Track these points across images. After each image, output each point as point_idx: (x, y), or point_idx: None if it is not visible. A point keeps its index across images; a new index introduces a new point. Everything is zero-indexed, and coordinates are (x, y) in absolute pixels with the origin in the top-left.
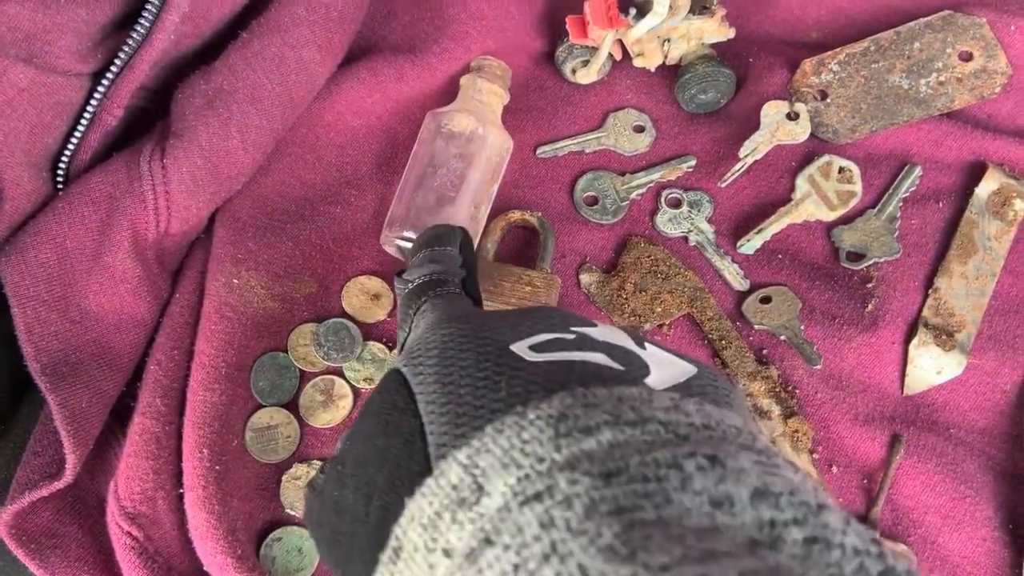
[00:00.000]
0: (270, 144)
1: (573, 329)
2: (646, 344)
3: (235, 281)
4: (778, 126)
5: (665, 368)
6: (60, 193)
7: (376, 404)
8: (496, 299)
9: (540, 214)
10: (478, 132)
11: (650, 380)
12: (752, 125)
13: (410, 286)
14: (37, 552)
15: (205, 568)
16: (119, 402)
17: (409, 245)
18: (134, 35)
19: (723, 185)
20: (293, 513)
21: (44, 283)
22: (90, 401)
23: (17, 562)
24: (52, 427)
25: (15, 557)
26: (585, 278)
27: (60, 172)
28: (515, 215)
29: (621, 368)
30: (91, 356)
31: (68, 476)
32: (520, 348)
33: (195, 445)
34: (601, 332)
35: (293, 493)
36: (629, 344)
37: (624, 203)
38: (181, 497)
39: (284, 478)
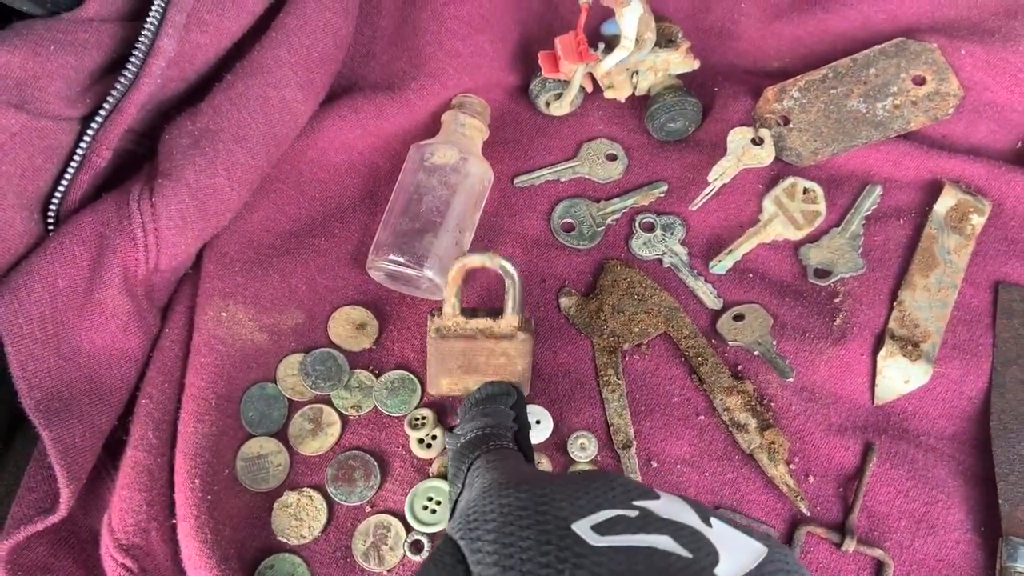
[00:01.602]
0: (255, 181)
1: (636, 504)
2: (712, 519)
3: (223, 314)
4: (744, 151)
5: (735, 551)
6: (51, 233)
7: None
8: (473, 373)
9: (502, 259)
10: (461, 162)
11: (721, 569)
12: (719, 151)
13: (462, 440)
14: None
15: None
16: (111, 436)
17: (396, 268)
18: (122, 80)
19: (694, 208)
20: (284, 540)
21: (37, 321)
22: (83, 436)
23: None
24: (46, 462)
25: None
26: (564, 301)
27: (51, 213)
28: (473, 261)
29: (689, 555)
30: (84, 392)
31: (62, 510)
32: (582, 528)
33: (187, 476)
34: (665, 506)
35: (284, 520)
36: (694, 521)
37: (600, 228)
38: (174, 528)
39: (275, 506)
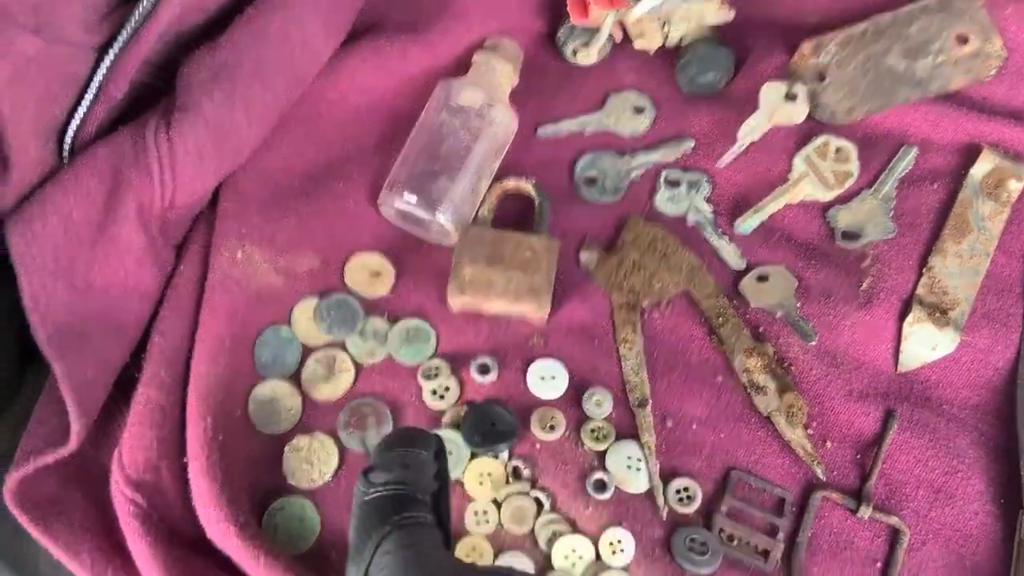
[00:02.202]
0: (274, 118)
1: None
2: None
3: (239, 255)
4: (776, 107)
5: None
6: (66, 165)
7: None
8: (498, 266)
9: (535, 180)
10: (487, 107)
11: None
12: (750, 106)
13: (372, 494)
14: (41, 519)
15: (208, 536)
16: (123, 373)
17: (408, 208)
18: (140, 8)
19: (721, 166)
20: (294, 483)
21: (51, 253)
22: (95, 370)
23: (21, 530)
24: (57, 396)
25: (19, 525)
26: (584, 256)
27: (66, 144)
28: (510, 183)
29: None
30: (96, 326)
31: (73, 444)
32: None
33: (198, 415)
34: None
35: (295, 464)
36: None
37: (624, 183)
38: (185, 467)
39: (286, 449)
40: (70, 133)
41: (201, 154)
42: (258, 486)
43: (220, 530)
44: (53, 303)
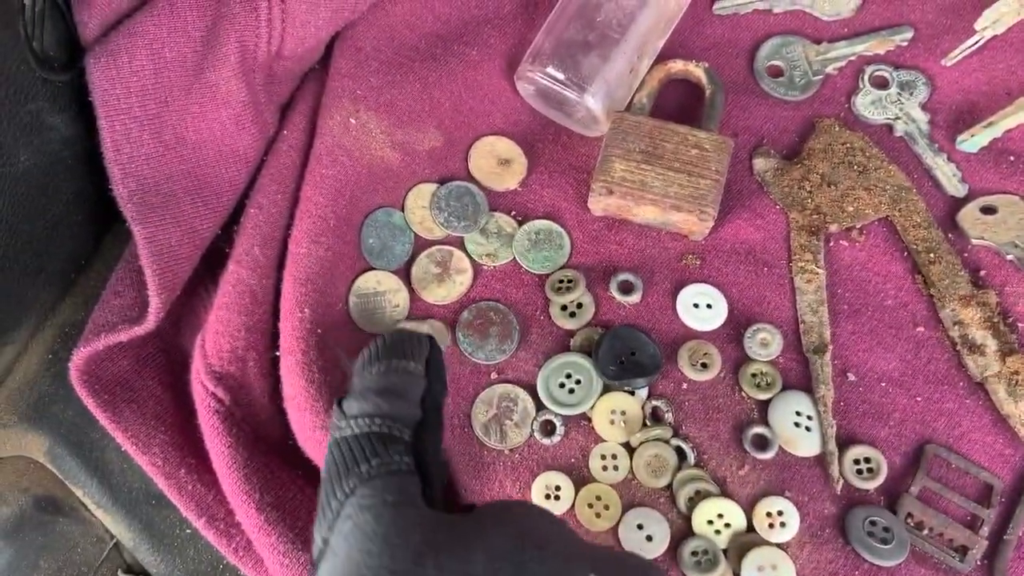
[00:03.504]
0: None
1: None
2: None
3: (352, 121)
4: None
5: None
6: None
7: None
8: (656, 164)
9: (707, 65)
10: None
11: None
12: None
13: (344, 431)
14: (109, 404)
15: (299, 443)
16: (212, 247)
17: (551, 85)
18: None
19: (948, 64)
20: None
21: (137, 95)
22: (180, 239)
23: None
24: (136, 265)
25: (85, 409)
26: (760, 163)
27: None
28: (676, 65)
29: None
30: (185, 188)
31: (151, 322)
32: None
33: (295, 303)
34: None
35: None
36: None
37: (817, 77)
38: (275, 361)
39: None
40: None
41: None
42: None
43: (314, 439)
44: (137, 155)
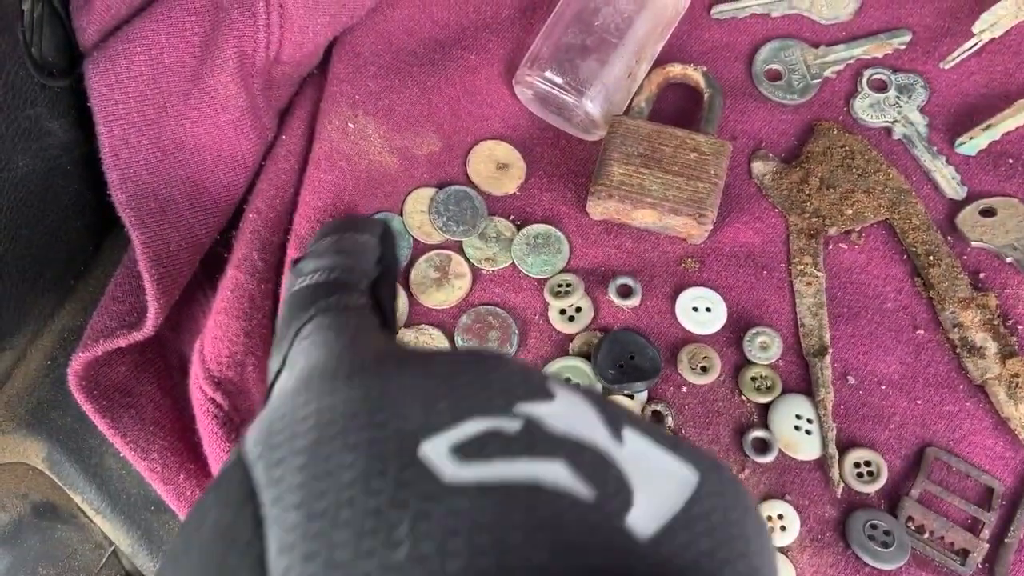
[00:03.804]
0: None
1: (520, 409)
2: (625, 430)
3: (350, 126)
4: None
5: (654, 484)
6: None
7: (209, 523)
8: (655, 168)
9: (705, 69)
10: None
11: (634, 517)
12: None
13: (300, 283)
14: (108, 409)
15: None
16: (211, 251)
17: (550, 89)
18: None
19: (946, 67)
20: None
21: (135, 101)
22: (179, 244)
23: (86, 420)
24: (135, 271)
25: (83, 414)
26: (759, 167)
27: None
28: (675, 69)
29: (589, 495)
30: (183, 193)
31: (149, 327)
32: (437, 451)
33: None
34: (562, 411)
35: None
36: (601, 436)
37: (815, 81)
38: None
39: None
40: None
41: None
42: None
43: None
44: (136, 160)
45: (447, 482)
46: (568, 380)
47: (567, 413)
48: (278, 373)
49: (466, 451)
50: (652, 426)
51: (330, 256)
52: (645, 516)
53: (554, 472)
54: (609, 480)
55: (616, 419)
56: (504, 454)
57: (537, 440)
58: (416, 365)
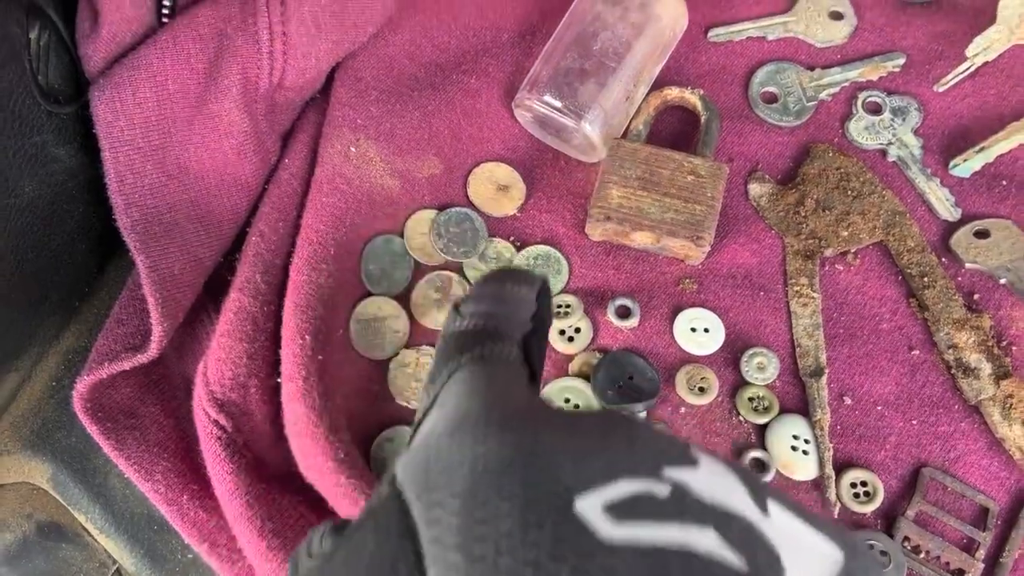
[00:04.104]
0: None
1: (666, 473)
2: (770, 503)
3: (352, 150)
4: (1020, 21)
5: (803, 560)
6: (164, 26)
7: (368, 551)
8: (652, 190)
9: (702, 92)
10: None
11: None
12: (984, 18)
13: (458, 325)
14: (113, 431)
15: (301, 469)
16: (214, 275)
17: (549, 113)
18: None
19: (940, 90)
20: (404, 404)
21: (140, 127)
22: (183, 267)
23: (90, 441)
24: (140, 294)
25: (88, 436)
26: (755, 188)
27: (167, 4)
28: (672, 92)
29: (744, 568)
30: (187, 217)
31: (153, 350)
32: (591, 509)
33: (296, 330)
34: (707, 480)
35: (403, 382)
36: (748, 508)
37: (811, 103)
38: (276, 388)
39: (392, 366)
40: None
41: (318, 23)
42: (361, 415)
43: (315, 465)
44: (140, 185)
45: (602, 540)
46: (567, 401)
47: (713, 481)
48: (427, 411)
49: (619, 511)
50: (795, 502)
51: (489, 303)
52: None
53: (706, 540)
54: (759, 552)
55: (761, 491)
56: (656, 517)
57: (688, 506)
58: (565, 422)
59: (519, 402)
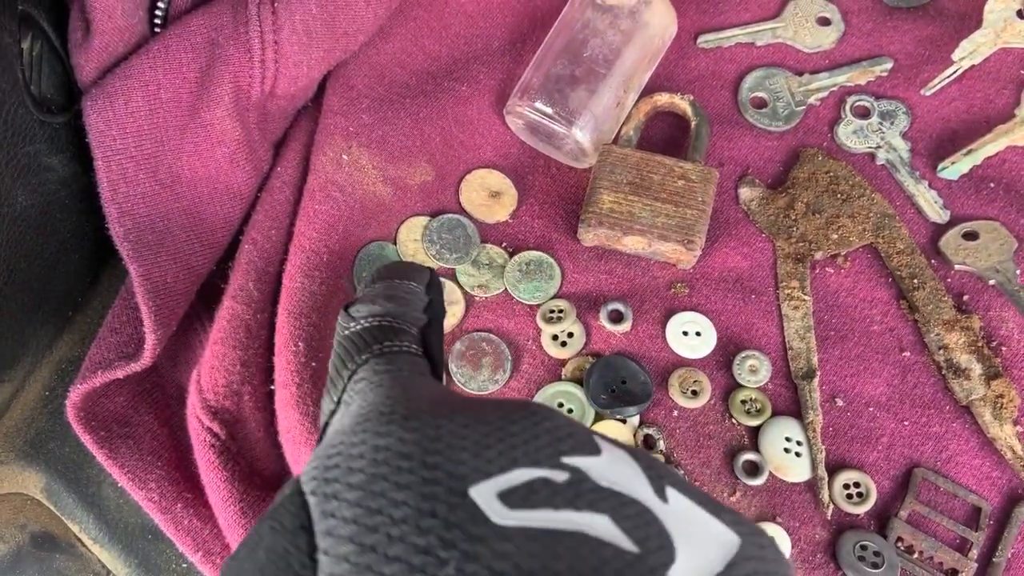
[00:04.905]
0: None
1: (567, 461)
2: (668, 489)
3: (344, 157)
4: (1005, 25)
5: (697, 543)
6: (156, 36)
7: (264, 548)
8: (643, 195)
9: (692, 97)
10: (642, 5)
11: (675, 571)
12: (970, 23)
13: (352, 328)
14: (106, 440)
15: (294, 476)
16: (207, 283)
17: (540, 119)
18: None
19: (927, 94)
20: None
21: (133, 136)
22: (176, 276)
23: (83, 450)
24: (133, 303)
25: (81, 445)
26: (745, 193)
27: (158, 14)
28: (662, 98)
29: (634, 549)
30: (180, 226)
31: (147, 358)
32: (485, 495)
33: (290, 337)
34: (607, 467)
35: None
36: (645, 493)
37: (799, 108)
38: (270, 395)
39: None
40: (163, 0)
41: (310, 32)
42: None
43: None
44: (133, 194)
45: (494, 524)
46: (560, 405)
47: (613, 468)
48: (332, 413)
49: (514, 498)
50: (695, 489)
51: (381, 302)
52: (686, 573)
53: (599, 523)
54: (652, 535)
55: (660, 478)
56: (551, 503)
57: (583, 492)
58: (468, 412)
59: (423, 393)
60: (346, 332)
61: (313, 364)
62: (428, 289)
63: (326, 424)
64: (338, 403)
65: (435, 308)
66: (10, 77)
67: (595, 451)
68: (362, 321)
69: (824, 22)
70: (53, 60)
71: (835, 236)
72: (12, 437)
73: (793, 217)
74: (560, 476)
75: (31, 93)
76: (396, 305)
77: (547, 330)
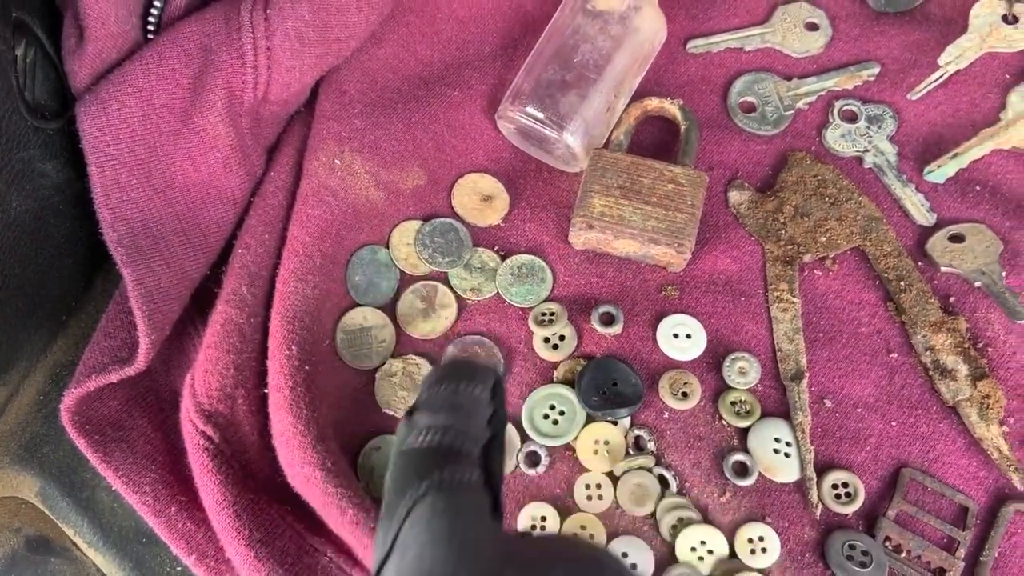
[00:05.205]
0: (387, 5)
1: None
2: None
3: (337, 162)
4: (991, 29)
5: None
6: (150, 42)
7: None
8: (634, 199)
9: (681, 102)
10: (632, 11)
11: None
12: (956, 28)
13: (412, 443)
14: (100, 444)
15: (288, 479)
16: (201, 287)
17: (531, 124)
18: None
19: (913, 98)
20: (390, 412)
21: (126, 142)
22: (170, 280)
23: (77, 454)
24: (127, 307)
25: (75, 448)
26: (735, 196)
27: (151, 20)
28: (652, 103)
29: None
30: (174, 231)
31: (140, 362)
32: None
33: (283, 341)
34: None
35: (388, 391)
36: None
37: (788, 112)
38: (264, 399)
39: (378, 375)
40: (155, 8)
41: (302, 38)
42: (347, 425)
43: (303, 475)
44: (127, 200)
45: None
46: (552, 408)
47: None
48: (387, 556)
49: None
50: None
51: (445, 413)
52: None
53: None
54: None
55: None
56: None
57: None
58: (531, 569)
59: (484, 553)
60: (405, 447)
61: (306, 368)
62: (493, 395)
63: (381, 565)
64: (393, 543)
65: (498, 421)
66: (4, 84)
67: None
68: (424, 433)
69: (812, 27)
70: (47, 67)
71: (823, 239)
72: (6, 441)
73: (782, 220)
74: None
75: (25, 100)
76: (460, 417)
77: (539, 333)
